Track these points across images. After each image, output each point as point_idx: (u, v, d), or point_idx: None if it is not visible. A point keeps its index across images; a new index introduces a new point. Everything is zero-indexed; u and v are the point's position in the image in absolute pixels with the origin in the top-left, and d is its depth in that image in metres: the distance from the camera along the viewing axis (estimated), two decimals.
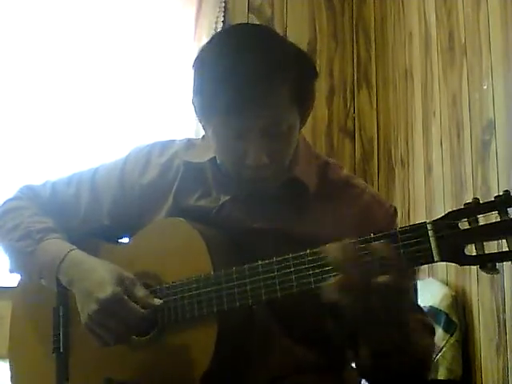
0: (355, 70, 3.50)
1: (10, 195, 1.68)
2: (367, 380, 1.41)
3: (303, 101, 1.40)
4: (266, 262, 1.28)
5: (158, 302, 1.39)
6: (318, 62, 3.39)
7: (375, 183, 3.40)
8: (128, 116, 3.29)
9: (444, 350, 2.30)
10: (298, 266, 1.24)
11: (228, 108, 1.31)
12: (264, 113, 1.32)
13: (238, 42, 1.38)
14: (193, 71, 1.40)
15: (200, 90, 1.39)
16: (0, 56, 3.19)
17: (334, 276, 1.19)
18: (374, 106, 3.48)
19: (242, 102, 1.31)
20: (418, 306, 1.48)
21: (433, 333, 1.47)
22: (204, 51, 1.40)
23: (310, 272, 1.23)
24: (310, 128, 3.34)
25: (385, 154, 3.38)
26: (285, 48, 1.38)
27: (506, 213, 1.04)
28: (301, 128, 1.45)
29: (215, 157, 1.47)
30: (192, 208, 1.50)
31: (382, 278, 1.13)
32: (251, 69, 1.31)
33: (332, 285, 1.16)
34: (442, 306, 2.37)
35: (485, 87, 2.27)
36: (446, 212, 1.08)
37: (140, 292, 1.39)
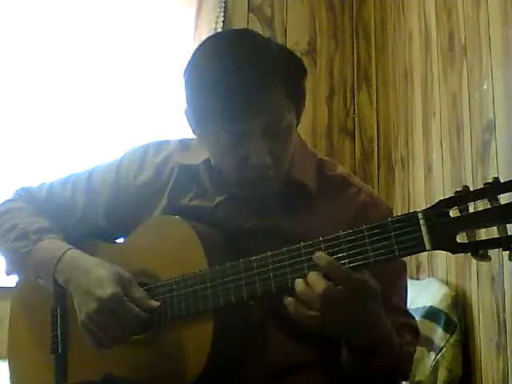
0: (355, 70, 3.50)
1: (7, 197, 1.69)
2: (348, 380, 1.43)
3: (298, 98, 1.41)
4: (261, 256, 1.28)
5: (155, 304, 1.39)
6: (318, 62, 3.40)
7: (375, 183, 3.40)
8: (127, 116, 3.30)
9: (444, 350, 2.29)
10: (292, 259, 1.25)
11: (225, 113, 1.32)
12: (262, 114, 1.33)
13: (228, 48, 1.38)
14: (183, 81, 1.41)
15: (193, 99, 1.39)
16: (0, 56, 3.20)
17: None
18: (374, 106, 3.48)
19: (239, 106, 1.31)
20: (403, 309, 1.49)
21: (417, 335, 1.48)
22: (194, 61, 1.40)
23: (305, 265, 1.23)
24: (309, 128, 3.34)
25: (385, 154, 3.38)
26: (275, 50, 1.39)
27: (497, 200, 1.04)
28: (297, 125, 1.45)
29: (209, 158, 1.47)
30: (187, 208, 1.50)
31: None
32: (245, 72, 1.31)
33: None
34: (442, 306, 2.37)
35: (485, 87, 2.26)
36: (437, 200, 1.08)
37: (137, 293, 1.39)
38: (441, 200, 1.09)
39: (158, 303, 1.39)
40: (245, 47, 1.37)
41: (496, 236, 1.04)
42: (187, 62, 1.41)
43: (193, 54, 1.41)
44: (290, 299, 1.22)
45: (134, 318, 1.37)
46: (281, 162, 1.39)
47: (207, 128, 1.38)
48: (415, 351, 1.47)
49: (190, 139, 1.62)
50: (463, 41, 2.46)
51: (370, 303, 1.24)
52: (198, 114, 1.39)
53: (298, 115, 1.43)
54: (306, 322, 1.23)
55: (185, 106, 1.43)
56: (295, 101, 1.39)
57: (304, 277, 1.23)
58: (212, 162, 1.45)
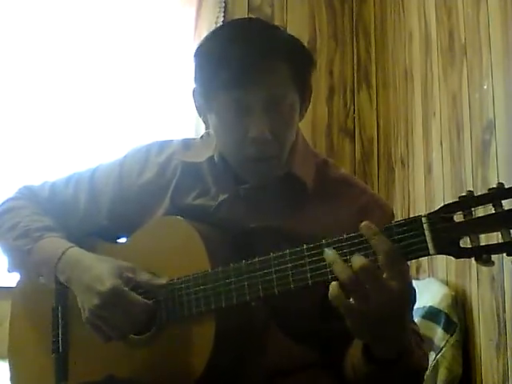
0: (355, 70, 3.50)
1: (9, 195, 1.69)
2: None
3: (302, 85, 1.42)
4: (263, 258, 1.28)
5: (162, 281, 1.40)
6: (318, 62, 3.37)
7: (375, 183, 3.40)
8: (128, 116, 3.30)
9: (444, 350, 2.28)
10: (294, 261, 1.24)
11: (230, 81, 1.34)
12: (265, 84, 1.35)
13: (238, 25, 1.44)
14: (193, 62, 1.43)
15: (201, 71, 1.41)
16: (0, 56, 3.19)
17: (330, 272, 1.19)
18: (374, 106, 3.48)
19: (243, 74, 1.33)
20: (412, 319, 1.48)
21: (422, 342, 1.45)
22: (204, 40, 1.44)
23: (307, 267, 1.22)
24: (309, 128, 3.34)
25: (385, 154, 3.38)
26: (285, 34, 1.44)
27: (501, 205, 1.03)
28: (300, 119, 1.47)
29: (213, 156, 1.48)
30: (189, 207, 1.50)
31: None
32: (250, 44, 1.35)
33: (333, 289, 1.13)
34: (442, 306, 2.36)
35: (485, 87, 2.26)
36: (441, 205, 1.07)
37: (143, 276, 1.40)
38: (445, 204, 1.08)
39: (166, 278, 1.39)
40: (255, 26, 1.42)
41: (499, 241, 1.03)
42: (196, 47, 1.44)
43: (202, 40, 1.45)
44: (334, 283, 1.13)
45: (139, 307, 1.37)
46: (281, 142, 1.40)
47: (212, 101, 1.40)
48: (428, 364, 1.45)
49: (193, 139, 1.63)
50: (463, 41, 2.46)
51: (405, 307, 1.18)
52: (205, 87, 1.41)
53: (303, 103, 1.44)
54: (343, 309, 1.14)
55: (193, 86, 1.45)
56: (300, 85, 1.40)
57: (307, 280, 1.22)
58: (216, 143, 1.46)
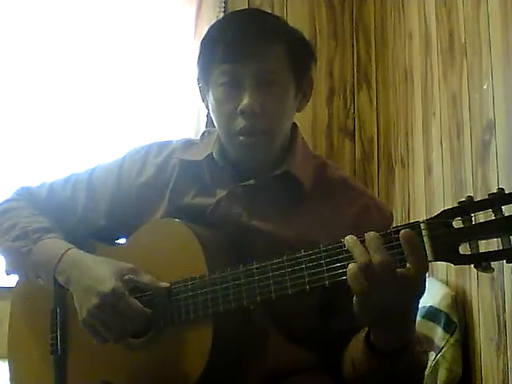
0: (355, 70, 3.49)
1: (7, 196, 1.68)
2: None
3: (299, 72, 1.44)
4: (261, 264, 1.28)
5: (166, 284, 1.39)
6: (317, 62, 3.35)
7: (375, 183, 3.39)
8: (128, 115, 3.30)
9: (444, 349, 2.29)
10: (292, 266, 1.24)
11: (223, 56, 1.38)
12: (258, 60, 1.38)
13: (238, 11, 1.52)
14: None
15: (201, 54, 1.45)
16: (0, 56, 3.19)
17: (328, 277, 1.19)
18: (374, 106, 3.47)
19: (236, 49, 1.37)
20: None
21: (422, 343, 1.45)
22: None
23: (305, 273, 1.22)
24: (309, 128, 3.35)
25: (385, 154, 3.37)
26: (285, 21, 1.49)
27: (501, 211, 1.02)
28: (298, 109, 1.49)
29: (212, 153, 1.48)
30: (188, 206, 1.50)
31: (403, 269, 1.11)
32: (248, 25, 1.40)
33: (353, 269, 1.12)
34: (442, 306, 2.36)
35: (485, 87, 2.26)
36: (440, 211, 1.06)
37: (145, 278, 1.40)
38: (444, 210, 1.07)
39: (168, 284, 1.39)
40: (256, 12, 1.51)
41: (499, 247, 1.02)
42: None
43: None
44: (353, 264, 1.13)
45: (136, 313, 1.37)
46: (270, 119, 1.40)
47: (209, 79, 1.43)
48: (427, 362, 1.44)
49: (195, 139, 1.63)
50: (463, 41, 2.46)
51: (416, 301, 1.17)
52: (203, 67, 1.44)
53: (299, 91, 1.46)
54: (357, 290, 1.13)
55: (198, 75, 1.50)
56: (296, 71, 1.42)
57: (304, 285, 1.22)
58: (214, 121, 1.47)
